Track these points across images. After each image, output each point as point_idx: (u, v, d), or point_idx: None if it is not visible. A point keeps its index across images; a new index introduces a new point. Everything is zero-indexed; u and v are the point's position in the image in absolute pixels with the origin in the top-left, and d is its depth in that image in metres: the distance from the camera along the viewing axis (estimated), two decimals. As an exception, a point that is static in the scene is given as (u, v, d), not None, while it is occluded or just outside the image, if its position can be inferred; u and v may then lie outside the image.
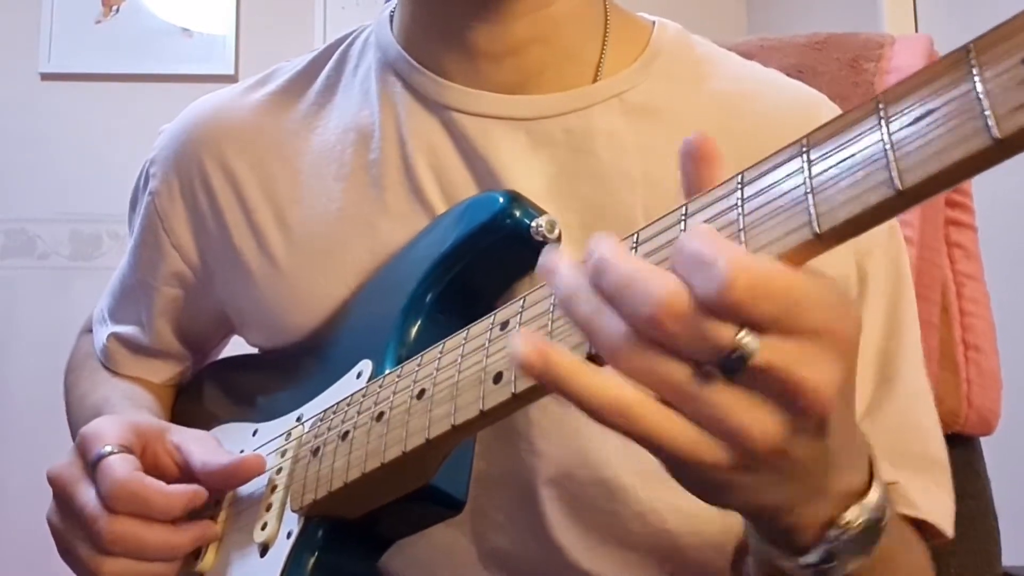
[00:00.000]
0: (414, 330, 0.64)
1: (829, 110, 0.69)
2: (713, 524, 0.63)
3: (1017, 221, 1.61)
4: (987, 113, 0.32)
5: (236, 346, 0.85)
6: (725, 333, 0.36)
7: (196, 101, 0.80)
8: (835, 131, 0.38)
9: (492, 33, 0.67)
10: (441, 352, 0.54)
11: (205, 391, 0.84)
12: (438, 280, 0.64)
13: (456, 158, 0.68)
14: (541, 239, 0.61)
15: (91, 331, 0.90)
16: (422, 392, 0.53)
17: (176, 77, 2.50)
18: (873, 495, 0.44)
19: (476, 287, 0.64)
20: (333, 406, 0.63)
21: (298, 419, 0.67)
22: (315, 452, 0.61)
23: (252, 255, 0.73)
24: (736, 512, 0.45)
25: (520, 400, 0.47)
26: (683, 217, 0.42)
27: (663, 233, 0.43)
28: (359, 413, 0.59)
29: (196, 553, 0.67)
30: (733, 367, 0.36)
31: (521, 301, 0.49)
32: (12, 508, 2.26)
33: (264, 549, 0.63)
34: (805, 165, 0.38)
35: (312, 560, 0.60)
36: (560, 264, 0.41)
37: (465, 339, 0.52)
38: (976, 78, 0.32)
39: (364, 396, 0.60)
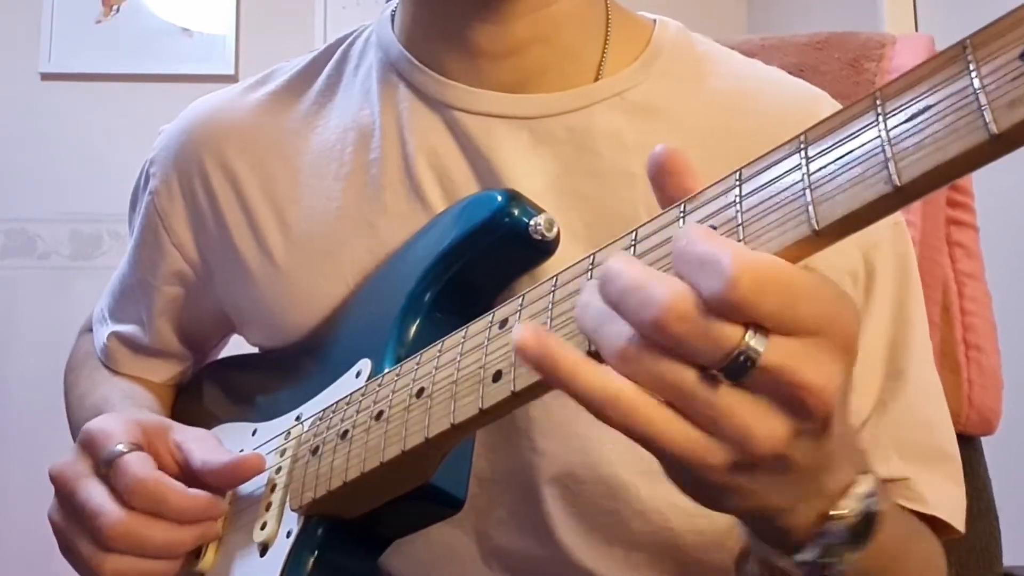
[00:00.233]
0: (413, 329, 0.64)
1: (831, 108, 0.69)
2: (716, 523, 0.63)
3: (1018, 220, 1.61)
4: (984, 108, 0.32)
5: (236, 346, 0.85)
6: (731, 335, 0.36)
7: (196, 101, 0.80)
8: (833, 127, 0.38)
9: (493, 33, 0.67)
10: (440, 351, 0.54)
11: (205, 391, 0.84)
12: (437, 279, 0.64)
13: (458, 157, 0.68)
14: (540, 238, 0.61)
15: (91, 330, 0.90)
16: (421, 391, 0.53)
17: (176, 77, 2.50)
18: (863, 486, 0.44)
19: (475, 286, 0.64)
20: (332, 405, 0.63)
21: (297, 418, 0.67)
22: (314, 451, 0.61)
23: (251, 254, 0.73)
24: (733, 515, 0.45)
25: (519, 398, 0.46)
26: (681, 215, 0.42)
27: (662, 231, 0.43)
28: (358, 412, 0.59)
29: (196, 552, 0.66)
30: (739, 370, 0.36)
31: (520, 299, 0.49)
32: (12, 508, 2.26)
33: (264, 548, 0.63)
34: (803, 161, 0.38)
35: (312, 559, 0.60)
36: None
37: (464, 337, 0.52)
38: (973, 73, 0.32)
39: (363, 395, 0.59)
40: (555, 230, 0.61)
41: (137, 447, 0.63)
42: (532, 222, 0.61)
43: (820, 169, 0.37)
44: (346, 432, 0.59)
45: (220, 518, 0.66)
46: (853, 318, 0.38)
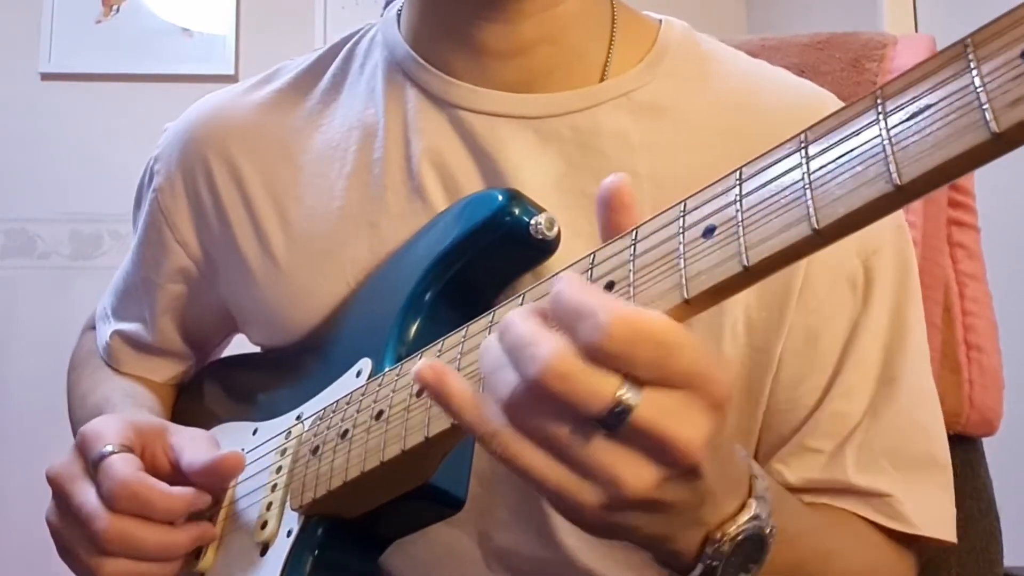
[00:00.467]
0: (414, 328, 0.64)
1: (836, 108, 0.69)
2: None
3: (1019, 221, 1.61)
4: (985, 107, 0.32)
5: (238, 346, 0.85)
6: (608, 390, 0.38)
7: (200, 99, 0.80)
8: (834, 126, 0.37)
9: (501, 32, 0.67)
10: (440, 350, 0.54)
11: (206, 390, 0.84)
12: (437, 278, 0.64)
13: (463, 156, 0.68)
14: (540, 237, 0.61)
15: (94, 328, 0.90)
16: (421, 390, 0.53)
17: (176, 77, 2.50)
18: (745, 513, 0.46)
19: (475, 285, 0.64)
20: (333, 404, 0.63)
21: (298, 418, 0.67)
22: (315, 451, 0.61)
23: (254, 253, 0.73)
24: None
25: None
26: (682, 214, 0.42)
27: (662, 230, 0.43)
28: (358, 412, 0.59)
29: (196, 553, 0.66)
30: (614, 422, 0.39)
31: (520, 298, 0.49)
32: (12, 508, 2.26)
33: (264, 548, 0.63)
34: (804, 160, 0.38)
35: (312, 559, 0.60)
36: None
37: (464, 337, 0.52)
38: (974, 72, 0.32)
39: (363, 395, 0.59)
40: (555, 229, 0.61)
41: (127, 448, 0.62)
42: (533, 221, 0.61)
43: (821, 168, 0.37)
44: (346, 431, 0.59)
45: (216, 518, 0.66)
46: (724, 377, 0.40)
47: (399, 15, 0.75)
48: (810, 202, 0.36)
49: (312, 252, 0.71)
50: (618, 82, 0.69)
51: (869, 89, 0.37)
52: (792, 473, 0.66)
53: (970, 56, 0.33)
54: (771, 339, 0.65)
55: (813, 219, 0.36)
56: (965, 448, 0.89)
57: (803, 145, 0.38)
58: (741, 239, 0.39)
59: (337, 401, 0.62)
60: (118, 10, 2.54)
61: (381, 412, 0.56)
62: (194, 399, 0.85)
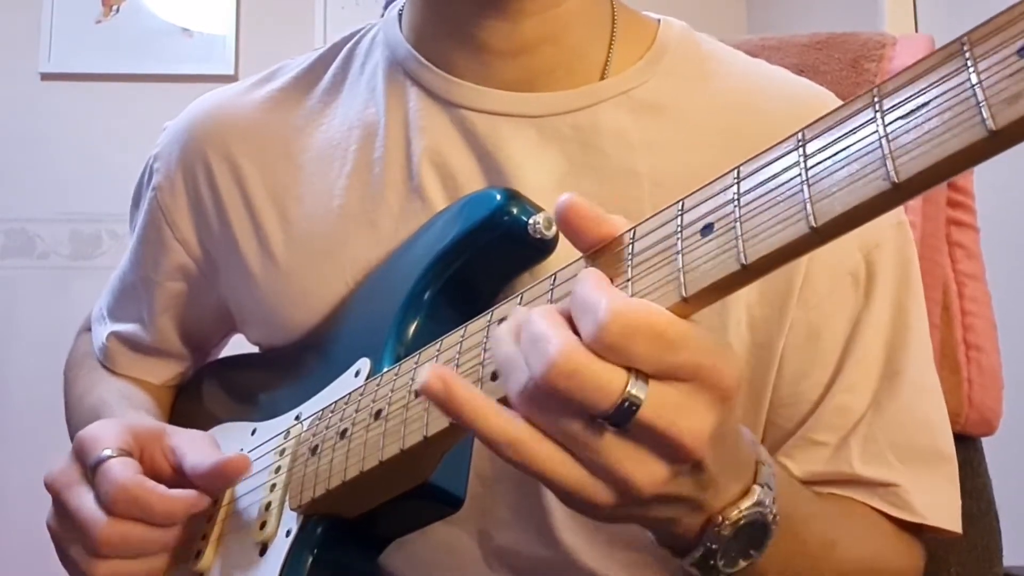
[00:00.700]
0: (412, 328, 0.64)
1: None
2: None
3: (1018, 221, 1.61)
4: (982, 104, 0.32)
5: (237, 346, 0.85)
6: (614, 386, 0.39)
7: (200, 98, 0.80)
8: (831, 124, 0.37)
9: (503, 32, 0.67)
10: (439, 349, 0.54)
11: (204, 390, 0.84)
12: (436, 278, 0.64)
13: (465, 155, 0.68)
14: (539, 236, 0.61)
15: (90, 330, 0.90)
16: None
17: (176, 77, 2.50)
18: (747, 500, 0.47)
19: (474, 284, 0.64)
20: (331, 404, 0.63)
21: (297, 417, 0.67)
22: (314, 450, 0.61)
23: (253, 251, 0.73)
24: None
25: (518, 397, 0.46)
26: (680, 212, 0.42)
27: (660, 228, 0.43)
28: (357, 411, 0.59)
29: (195, 553, 0.66)
30: (622, 419, 0.40)
31: (518, 298, 0.49)
32: (12, 508, 2.26)
33: (263, 548, 0.63)
34: (801, 158, 0.38)
35: (311, 558, 0.60)
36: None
37: (463, 336, 0.52)
38: (971, 70, 0.32)
39: (362, 394, 0.59)
40: (554, 229, 0.61)
41: (125, 453, 0.62)
42: (531, 221, 0.61)
43: (818, 166, 0.37)
44: (345, 431, 0.58)
45: (215, 518, 0.66)
46: (731, 369, 0.41)
47: (400, 15, 0.76)
48: (807, 200, 0.36)
49: (312, 251, 0.71)
50: (618, 80, 0.69)
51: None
52: (797, 466, 0.66)
53: (967, 54, 0.32)
54: (773, 335, 0.66)
55: (811, 217, 0.36)
56: (964, 448, 0.89)
57: (801, 143, 0.38)
58: (739, 237, 0.39)
59: (336, 401, 0.62)
60: (118, 10, 2.54)
61: (380, 411, 0.56)
62: (192, 400, 0.85)
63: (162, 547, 0.62)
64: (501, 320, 0.49)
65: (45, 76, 2.51)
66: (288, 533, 0.62)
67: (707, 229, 0.40)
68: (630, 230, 0.45)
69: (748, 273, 0.39)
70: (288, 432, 0.66)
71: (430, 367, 0.43)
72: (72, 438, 0.80)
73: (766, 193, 0.39)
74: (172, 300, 0.81)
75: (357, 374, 0.64)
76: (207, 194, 0.76)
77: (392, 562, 0.67)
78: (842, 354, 0.67)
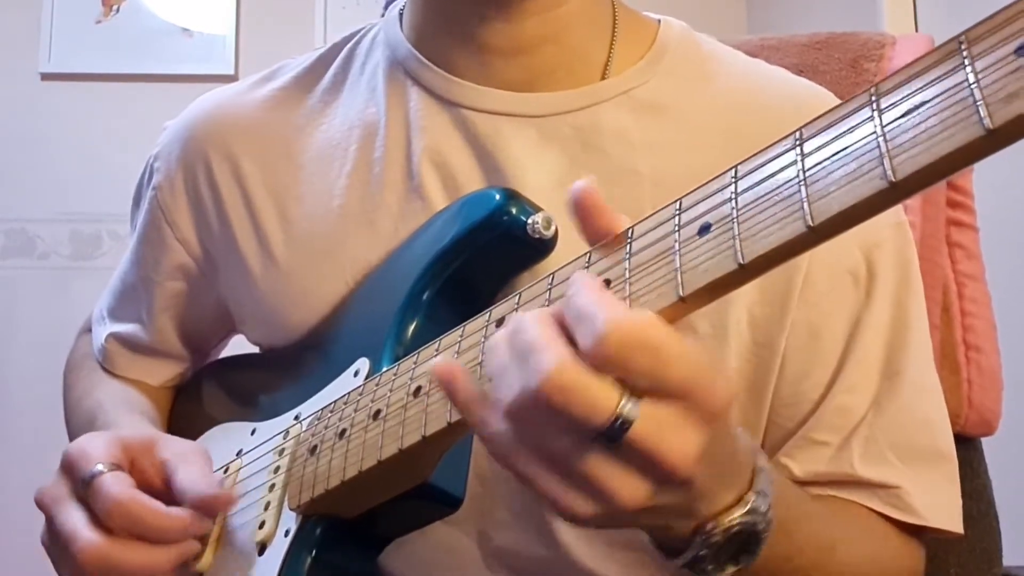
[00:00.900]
0: (411, 328, 0.64)
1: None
2: None
3: (1018, 221, 1.61)
4: (979, 103, 0.32)
5: (236, 346, 0.85)
6: (608, 404, 0.39)
7: (201, 97, 0.80)
8: (829, 123, 0.37)
9: (504, 32, 0.67)
10: (437, 349, 0.54)
11: (204, 391, 0.84)
12: (435, 277, 0.64)
13: (466, 155, 0.68)
14: (538, 236, 0.61)
15: (90, 331, 0.90)
16: (418, 389, 0.53)
17: (176, 77, 2.50)
18: (738, 508, 0.47)
19: (473, 284, 0.64)
20: (330, 404, 0.63)
21: (296, 418, 0.67)
22: (313, 450, 0.61)
23: (253, 251, 0.73)
24: None
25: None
26: (678, 212, 0.42)
27: (657, 228, 0.43)
28: (356, 411, 0.58)
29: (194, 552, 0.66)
30: (613, 436, 0.39)
31: (516, 297, 0.49)
32: (12, 508, 2.26)
33: (262, 547, 0.63)
34: (799, 157, 0.38)
35: (310, 558, 0.60)
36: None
37: (461, 336, 0.52)
38: (968, 69, 0.32)
39: (361, 394, 0.59)
40: (553, 228, 0.61)
41: (117, 467, 0.61)
42: (530, 220, 0.61)
43: (816, 165, 0.37)
44: (344, 431, 0.58)
45: (203, 534, 0.64)
46: (724, 389, 0.40)
47: (401, 14, 0.76)
48: (805, 199, 0.36)
49: (312, 251, 0.71)
50: (619, 81, 0.69)
51: (867, 89, 0.37)
52: (799, 466, 0.66)
53: (964, 52, 0.32)
54: (774, 335, 0.66)
55: (808, 216, 0.36)
56: (964, 448, 0.89)
57: (798, 142, 0.38)
58: (736, 236, 0.39)
59: (335, 401, 0.62)
60: (118, 10, 2.54)
61: (379, 412, 0.56)
62: (192, 400, 0.85)
63: (145, 570, 0.60)
64: (499, 321, 0.49)
65: (45, 76, 2.51)
66: (287, 533, 0.61)
67: (704, 229, 0.40)
68: (628, 229, 0.45)
69: (746, 272, 0.39)
70: (287, 432, 0.66)
71: (442, 356, 0.44)
72: (71, 440, 0.80)
73: (763, 192, 0.38)
74: (172, 300, 0.81)
75: (356, 374, 0.64)
76: (207, 193, 0.75)
77: (391, 562, 0.67)
78: (842, 354, 0.67)
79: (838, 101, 0.70)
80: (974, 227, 0.94)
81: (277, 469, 0.65)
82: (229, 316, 0.79)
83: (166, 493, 0.62)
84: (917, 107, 0.33)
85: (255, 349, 0.81)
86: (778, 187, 0.38)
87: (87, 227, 2.47)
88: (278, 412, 0.70)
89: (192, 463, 0.63)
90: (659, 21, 0.74)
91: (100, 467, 0.60)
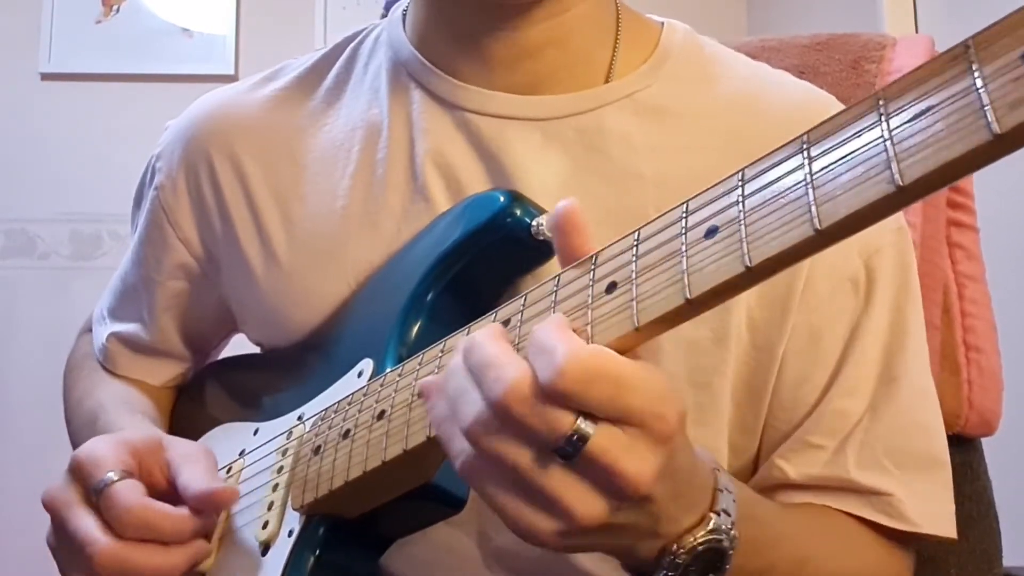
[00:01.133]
0: (415, 329, 0.64)
1: (836, 111, 0.69)
2: None
3: (1019, 222, 1.61)
4: (987, 108, 0.32)
5: (237, 346, 0.85)
6: (565, 420, 0.40)
7: (202, 97, 0.80)
8: (835, 127, 0.38)
9: (508, 40, 0.67)
10: (442, 351, 0.54)
11: (206, 391, 0.84)
12: (439, 279, 0.64)
13: (470, 157, 0.68)
14: (541, 238, 0.61)
15: (91, 331, 0.90)
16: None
17: (176, 77, 2.50)
18: (701, 529, 0.48)
19: (477, 285, 0.64)
20: (334, 405, 0.63)
21: (299, 418, 0.67)
22: (316, 451, 0.61)
23: (256, 251, 0.73)
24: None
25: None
26: (685, 214, 0.42)
27: (665, 230, 0.43)
28: (360, 412, 0.59)
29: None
30: (571, 451, 0.41)
31: (522, 299, 0.49)
32: (12, 508, 2.26)
33: (265, 548, 0.63)
34: (806, 161, 0.38)
35: (313, 558, 0.60)
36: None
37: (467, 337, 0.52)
38: (976, 73, 0.32)
39: (365, 395, 0.59)
40: (557, 230, 0.61)
41: (127, 474, 0.61)
42: (534, 223, 0.61)
43: (822, 169, 0.37)
44: (348, 431, 0.59)
45: (212, 537, 0.65)
46: (673, 413, 0.42)
47: (404, 15, 0.76)
48: (812, 203, 0.37)
49: (314, 252, 0.71)
50: (622, 84, 0.69)
51: (868, 90, 0.37)
52: (794, 469, 0.66)
53: (972, 57, 0.33)
54: (774, 339, 0.66)
55: (815, 219, 0.36)
56: (964, 449, 0.89)
57: (805, 147, 0.38)
58: (743, 239, 0.39)
59: (339, 401, 0.62)
60: (118, 10, 2.54)
61: (383, 412, 0.56)
62: (194, 400, 0.85)
63: (159, 572, 0.60)
64: (505, 322, 0.50)
65: (45, 76, 2.51)
66: (291, 533, 0.62)
67: (711, 232, 0.40)
68: (635, 232, 0.45)
69: (752, 275, 0.39)
70: (291, 432, 0.66)
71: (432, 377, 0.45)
72: (72, 440, 0.80)
73: (770, 196, 0.39)
74: (174, 299, 0.81)
75: (360, 375, 0.64)
76: (210, 193, 0.75)
77: (392, 562, 0.67)
78: (840, 358, 0.67)
79: (841, 105, 0.71)
80: (974, 228, 0.94)
81: (280, 469, 0.65)
82: (231, 316, 0.79)
83: (173, 494, 0.62)
84: (924, 112, 0.34)
85: (256, 349, 0.81)
86: (785, 190, 0.38)
87: (87, 227, 2.47)
88: (280, 412, 0.70)
89: (196, 463, 0.64)
90: (662, 24, 0.74)
91: (112, 475, 0.60)
